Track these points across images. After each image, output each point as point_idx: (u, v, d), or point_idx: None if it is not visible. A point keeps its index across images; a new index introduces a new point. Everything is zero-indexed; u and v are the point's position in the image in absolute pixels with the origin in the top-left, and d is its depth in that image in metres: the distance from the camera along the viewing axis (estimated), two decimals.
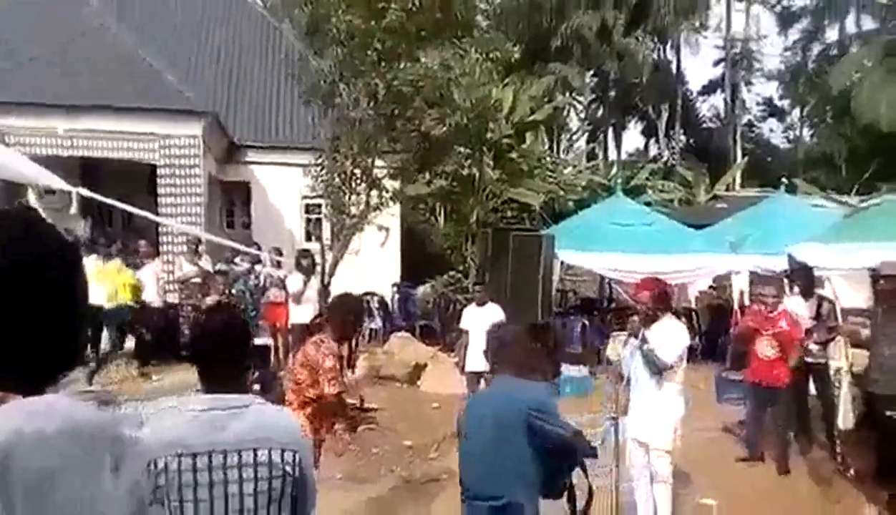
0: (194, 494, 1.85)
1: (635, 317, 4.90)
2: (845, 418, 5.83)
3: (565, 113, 27.90)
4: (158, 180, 12.79)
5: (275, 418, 2.02)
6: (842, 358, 5.97)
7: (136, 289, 9.55)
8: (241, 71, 16.76)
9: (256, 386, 5.58)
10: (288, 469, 1.91)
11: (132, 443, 1.23)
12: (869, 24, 29.71)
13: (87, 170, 12.77)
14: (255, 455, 1.87)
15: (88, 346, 9.66)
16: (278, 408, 2.24)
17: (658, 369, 4.67)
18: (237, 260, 10.67)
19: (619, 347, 5.44)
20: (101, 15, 13.47)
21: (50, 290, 1.10)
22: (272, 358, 6.53)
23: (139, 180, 13.50)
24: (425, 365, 9.60)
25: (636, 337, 4.79)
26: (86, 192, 7.33)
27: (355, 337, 7.61)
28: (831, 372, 6.07)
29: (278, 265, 10.17)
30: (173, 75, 13.41)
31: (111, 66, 12.38)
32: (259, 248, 11.08)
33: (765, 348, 5.85)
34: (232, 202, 16.19)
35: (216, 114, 13.52)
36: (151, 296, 9.75)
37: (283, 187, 14.60)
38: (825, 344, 6.22)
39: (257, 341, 6.56)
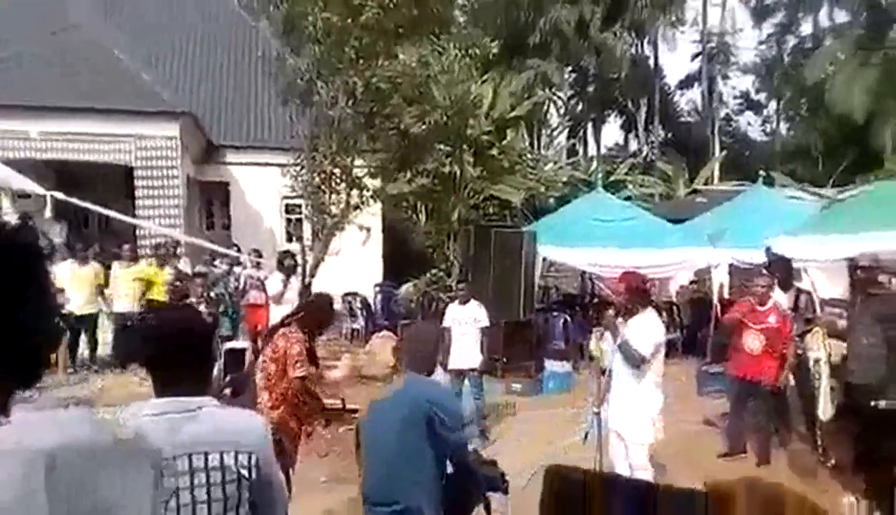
0: None
1: (610, 311, 4.93)
2: (825, 409, 5.89)
3: (545, 108, 27.94)
4: (136, 182, 12.65)
5: (230, 419, 1.93)
6: (820, 350, 6.02)
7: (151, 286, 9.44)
8: (218, 70, 16.60)
9: (227, 390, 5.50)
10: (243, 472, 1.82)
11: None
12: (842, 17, 30.11)
13: (63, 173, 12.58)
14: (207, 459, 1.79)
15: (68, 353, 9.55)
16: (236, 410, 2.16)
17: (636, 362, 4.70)
18: (216, 261, 10.56)
19: (600, 342, 5.45)
20: (74, 15, 13.26)
21: None
22: (248, 360, 6.45)
23: (116, 182, 13.33)
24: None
25: (610, 330, 4.83)
26: (60, 196, 7.22)
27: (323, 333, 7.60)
28: (810, 364, 6.12)
29: (258, 266, 10.07)
30: (149, 75, 13.25)
31: (85, 66, 12.21)
32: (238, 250, 10.96)
33: (751, 342, 5.88)
34: (211, 203, 16.04)
35: (193, 115, 13.38)
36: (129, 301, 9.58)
37: (262, 187, 14.49)
38: (803, 336, 6.28)
39: (236, 344, 6.47)
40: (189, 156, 13.76)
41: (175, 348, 1.92)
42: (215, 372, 3.41)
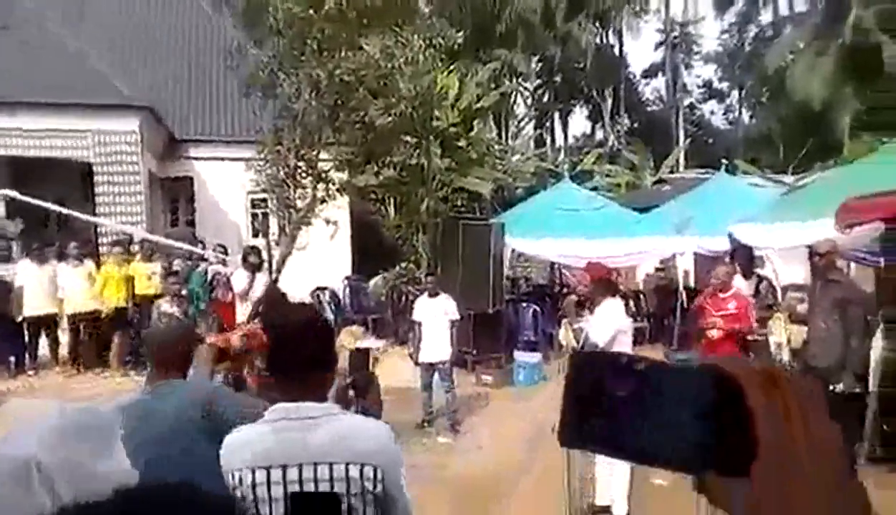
0: (269, 509, 1.72)
1: (572, 296, 4.98)
2: None
3: (512, 99, 27.99)
4: (95, 178, 12.35)
5: (355, 429, 1.83)
6: (781, 334, 6.15)
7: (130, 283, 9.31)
8: (178, 62, 16.25)
9: (351, 392, 5.29)
10: (367, 485, 1.72)
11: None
12: (801, 5, 30.69)
13: (19, 170, 12.22)
14: (332, 470, 1.71)
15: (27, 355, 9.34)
16: (361, 419, 2.04)
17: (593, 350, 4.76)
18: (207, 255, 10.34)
19: (569, 331, 5.50)
20: (28, 7, 12.85)
21: None
22: (368, 360, 6.24)
23: (75, 179, 13.01)
24: (377, 359, 9.53)
25: (569, 315, 4.89)
26: (13, 194, 7.00)
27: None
28: (772, 348, 6.25)
29: (223, 263, 9.92)
30: (107, 68, 12.91)
31: (41, 60, 11.85)
32: (203, 246, 10.77)
33: (711, 328, 5.98)
34: (175, 199, 15.74)
35: (153, 109, 13.09)
36: (86, 300, 9.37)
37: (226, 182, 14.25)
38: (764, 322, 6.41)
39: (361, 343, 6.27)
40: (150, 151, 13.47)
41: (302, 351, 1.83)
42: None
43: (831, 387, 5.08)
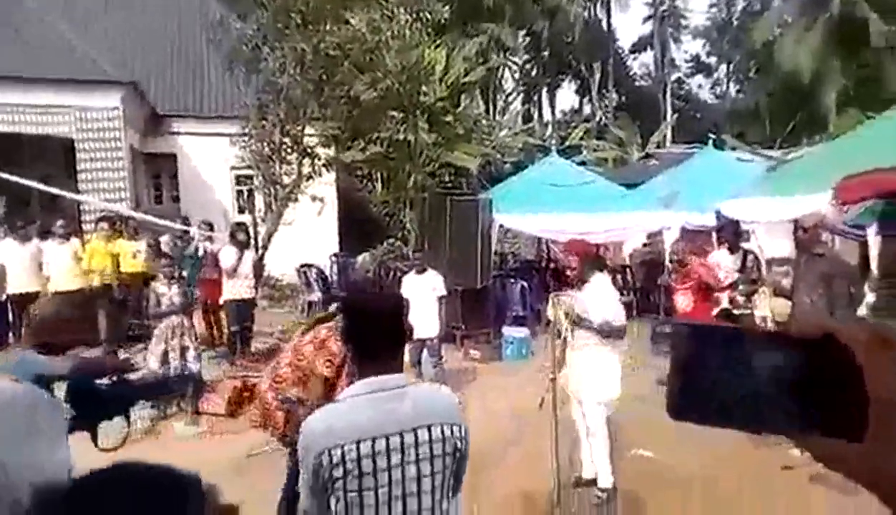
0: (374, 480, 1.81)
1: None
2: None
3: (499, 74, 27.78)
4: (77, 155, 12.18)
5: (434, 396, 2.08)
6: (765, 308, 6.21)
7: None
8: (160, 37, 15.97)
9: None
10: (458, 444, 1.92)
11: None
12: None
13: (0, 147, 12.02)
14: (430, 432, 1.87)
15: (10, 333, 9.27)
16: (431, 387, 2.30)
17: (621, 334, 4.84)
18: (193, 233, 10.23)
19: (556, 307, 5.51)
20: None
21: None
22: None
23: (57, 156, 12.81)
24: None
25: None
26: None
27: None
28: (757, 322, 6.30)
29: (210, 240, 9.85)
30: (87, 43, 12.67)
31: (20, 35, 11.60)
32: (187, 221, 10.67)
33: (680, 302, 6.03)
34: (158, 176, 15.57)
35: (136, 84, 12.88)
36: (72, 278, 9.29)
37: (211, 158, 14.10)
38: (750, 296, 6.45)
39: None
40: (133, 127, 13.28)
41: (382, 330, 1.99)
42: None
43: None
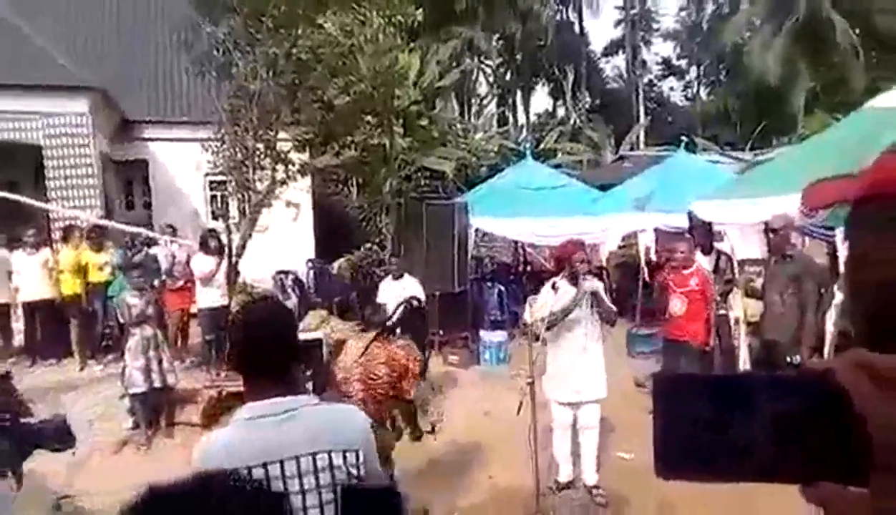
0: None
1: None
2: (744, 365, 6.16)
3: (474, 77, 27.85)
4: (45, 162, 11.93)
5: (332, 417, 1.83)
6: (738, 309, 6.28)
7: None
8: (129, 41, 15.71)
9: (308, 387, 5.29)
10: (353, 471, 1.75)
11: None
12: None
13: None
14: (315, 460, 1.71)
15: None
16: (335, 406, 2.05)
17: (613, 316, 5.07)
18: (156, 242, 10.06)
19: (534, 310, 5.53)
20: None
21: None
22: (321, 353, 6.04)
23: (25, 163, 12.55)
24: (343, 341, 9.46)
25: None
26: None
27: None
28: (731, 323, 6.38)
29: (170, 245, 9.73)
30: (55, 48, 12.43)
31: None
32: (174, 231, 10.50)
33: (674, 304, 6.07)
34: (130, 182, 15.32)
35: (104, 90, 12.66)
36: (42, 288, 9.11)
37: (183, 164, 13.90)
38: (724, 296, 6.53)
39: (308, 335, 6.05)
40: (102, 133, 13.05)
41: (266, 346, 1.79)
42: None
43: (788, 360, 5.21)
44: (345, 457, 1.73)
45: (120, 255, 9.47)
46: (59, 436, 3.11)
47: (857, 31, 23.81)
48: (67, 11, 15.44)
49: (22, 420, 2.62)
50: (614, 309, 5.14)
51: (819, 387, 0.55)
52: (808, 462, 0.55)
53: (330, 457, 1.72)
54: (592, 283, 4.91)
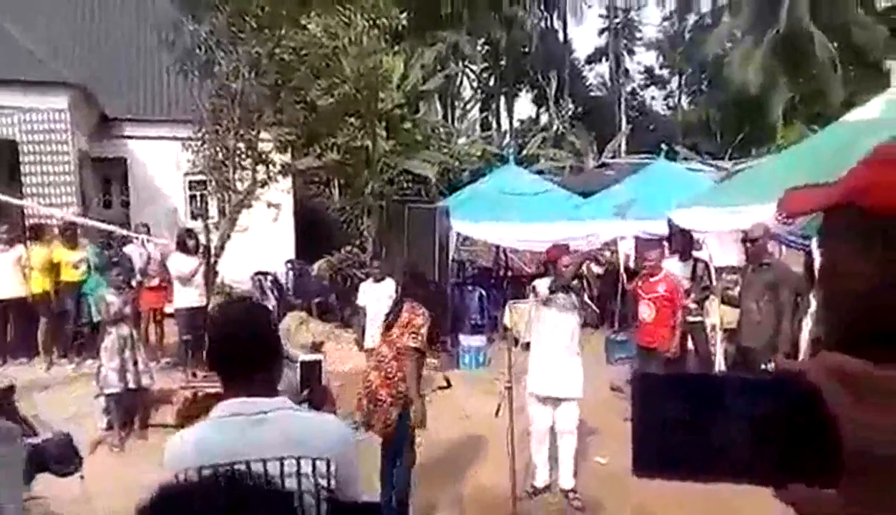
0: None
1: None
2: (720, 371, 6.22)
3: (458, 82, 27.91)
4: (21, 158, 11.74)
5: (307, 424, 1.78)
6: (714, 316, 6.33)
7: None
8: (110, 37, 15.54)
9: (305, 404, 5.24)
10: (321, 481, 1.68)
11: None
12: None
13: None
14: (282, 466, 1.66)
15: None
16: (312, 413, 2.00)
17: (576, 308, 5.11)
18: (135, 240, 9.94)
19: (514, 315, 5.58)
20: None
21: None
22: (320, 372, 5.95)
23: (0, 159, 12.34)
24: (322, 344, 9.43)
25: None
26: None
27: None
28: (708, 330, 6.44)
29: (145, 244, 9.62)
30: (33, 43, 12.25)
31: None
32: (148, 230, 10.38)
33: (643, 311, 6.11)
34: (109, 180, 15.13)
35: (84, 86, 12.50)
36: (15, 286, 8.95)
37: (162, 163, 13.76)
38: (702, 303, 6.59)
39: (308, 357, 6.03)
40: (80, 130, 12.88)
41: (243, 345, 1.75)
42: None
43: (763, 367, 5.27)
44: (314, 466, 1.68)
45: (96, 253, 9.34)
46: (65, 456, 2.89)
47: (836, 44, 24.21)
48: (48, 8, 15.23)
49: (27, 440, 2.48)
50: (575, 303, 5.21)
51: (793, 389, 0.56)
52: (781, 463, 0.55)
53: (299, 464, 1.68)
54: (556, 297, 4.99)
